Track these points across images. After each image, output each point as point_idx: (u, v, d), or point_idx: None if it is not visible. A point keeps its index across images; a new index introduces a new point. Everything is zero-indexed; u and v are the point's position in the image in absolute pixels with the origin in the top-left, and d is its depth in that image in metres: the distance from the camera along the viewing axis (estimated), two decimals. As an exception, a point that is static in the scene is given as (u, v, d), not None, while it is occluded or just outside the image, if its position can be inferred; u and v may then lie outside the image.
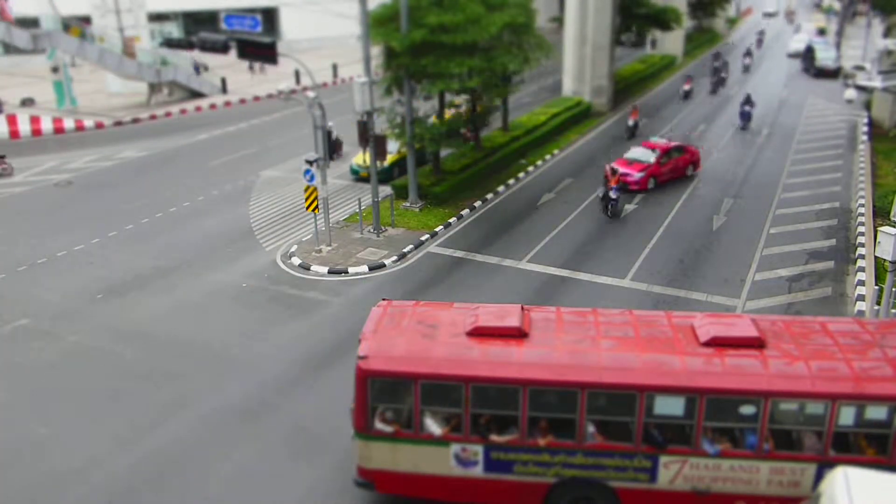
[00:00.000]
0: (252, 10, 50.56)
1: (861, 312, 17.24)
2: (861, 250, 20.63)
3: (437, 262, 20.88)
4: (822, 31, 63.79)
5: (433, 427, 11.05)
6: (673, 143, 27.91)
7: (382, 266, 20.64)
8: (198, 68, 42.28)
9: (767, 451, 10.51)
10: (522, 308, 11.89)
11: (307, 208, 21.77)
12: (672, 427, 10.76)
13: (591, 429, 10.79)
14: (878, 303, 15.95)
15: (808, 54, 51.14)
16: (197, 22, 53.93)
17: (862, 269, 19.42)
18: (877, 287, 16.79)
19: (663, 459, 10.74)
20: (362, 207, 22.98)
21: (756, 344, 10.83)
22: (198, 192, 26.72)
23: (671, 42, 52.84)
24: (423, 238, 22.10)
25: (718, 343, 10.86)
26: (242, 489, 12.28)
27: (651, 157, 26.58)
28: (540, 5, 33.37)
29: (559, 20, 45.07)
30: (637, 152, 27.38)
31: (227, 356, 16.27)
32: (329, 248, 21.60)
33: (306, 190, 21.42)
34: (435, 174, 25.94)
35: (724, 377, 10.42)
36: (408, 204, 24.44)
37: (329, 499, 12.13)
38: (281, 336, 17.08)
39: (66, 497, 12.18)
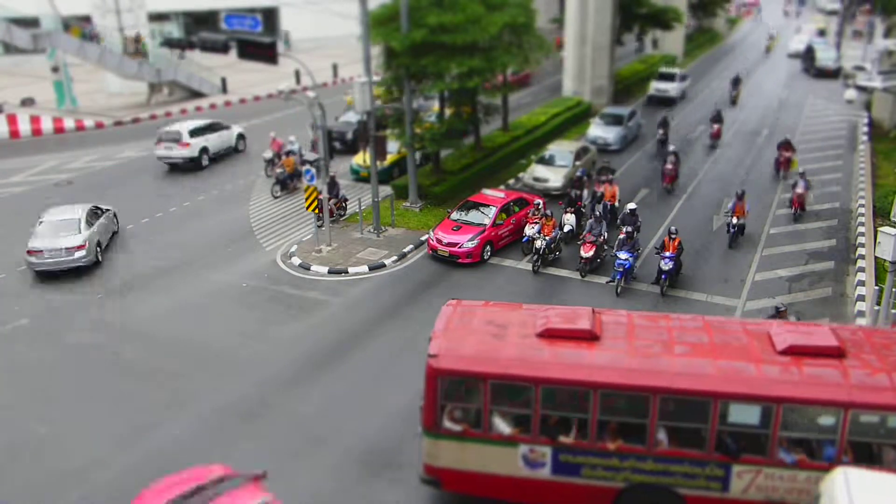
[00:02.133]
0: (252, 10, 50.56)
1: (861, 313, 17.25)
2: (861, 250, 20.62)
3: (437, 262, 20.87)
4: (822, 32, 63.73)
5: (502, 427, 11.05)
6: (512, 195, 22.69)
7: (382, 266, 20.63)
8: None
9: (847, 465, 10.18)
10: (593, 311, 11.85)
11: (307, 208, 21.77)
12: (746, 436, 10.57)
13: (662, 435, 10.67)
14: (878, 303, 15.95)
15: (808, 54, 51.12)
16: (197, 22, 53.90)
17: (862, 270, 19.41)
18: (877, 287, 16.78)
19: (736, 469, 10.57)
20: (362, 207, 22.98)
21: (836, 353, 10.60)
22: (198, 191, 26.71)
23: (671, 42, 52.79)
24: (423, 238, 22.07)
25: (796, 351, 10.67)
26: (242, 489, 12.27)
27: (485, 217, 21.19)
28: (540, 5, 33.36)
29: (559, 21, 45.05)
30: (467, 212, 21.53)
31: (226, 356, 16.27)
32: (329, 248, 21.59)
33: (306, 190, 21.43)
34: (435, 174, 25.93)
35: (802, 386, 10.19)
36: (408, 204, 24.43)
37: (329, 498, 12.13)
38: (281, 336, 17.08)
39: (66, 497, 12.19)
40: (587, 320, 11.38)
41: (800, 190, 23.24)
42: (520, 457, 11.07)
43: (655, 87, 40.69)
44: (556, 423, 10.99)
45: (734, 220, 21.45)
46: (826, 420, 10.23)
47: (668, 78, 41.29)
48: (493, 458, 11.17)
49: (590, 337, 11.13)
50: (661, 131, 31.44)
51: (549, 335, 11.19)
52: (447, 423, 11.14)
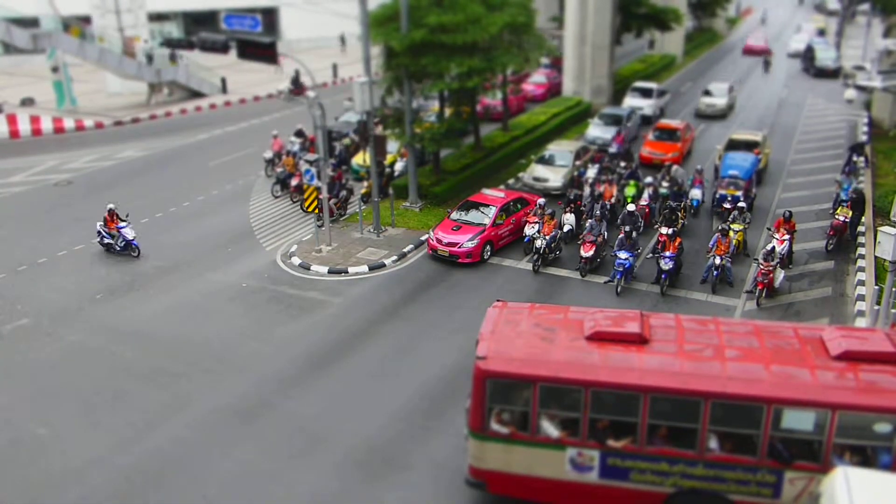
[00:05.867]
0: (252, 10, 50.55)
1: (861, 312, 17.26)
2: (861, 250, 20.63)
3: (437, 262, 20.87)
4: (821, 32, 63.76)
5: (549, 430, 11.05)
6: (512, 195, 22.67)
7: (382, 266, 20.63)
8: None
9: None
10: (641, 314, 11.85)
11: (307, 208, 21.78)
12: (798, 442, 10.49)
13: (713, 440, 10.62)
14: (878, 302, 15.97)
15: (807, 54, 51.16)
16: (197, 22, 53.94)
17: (862, 269, 19.42)
18: (877, 287, 16.80)
19: (788, 475, 10.49)
20: (362, 207, 22.99)
21: (892, 359, 10.55)
22: (198, 191, 26.71)
23: (671, 42, 52.84)
24: (423, 238, 22.07)
25: (851, 357, 10.59)
26: (242, 489, 12.28)
27: (485, 217, 21.16)
28: (540, 5, 33.34)
29: (559, 20, 45.08)
30: (467, 212, 21.52)
31: (226, 356, 16.27)
32: (329, 247, 21.59)
33: (306, 190, 21.44)
34: (435, 174, 25.94)
35: (859, 393, 10.12)
36: (408, 204, 24.44)
37: (329, 499, 12.13)
38: (281, 336, 17.08)
39: (66, 497, 12.19)
40: (636, 323, 11.37)
41: (766, 263, 17.95)
42: (567, 460, 11.05)
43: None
44: (604, 427, 10.96)
45: (716, 260, 18.83)
46: (882, 427, 10.13)
47: (645, 93, 36.88)
48: (541, 462, 11.16)
49: (639, 340, 11.10)
50: (623, 164, 26.28)
51: (598, 338, 11.18)
52: (494, 426, 11.13)
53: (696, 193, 23.60)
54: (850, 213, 21.22)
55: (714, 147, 31.90)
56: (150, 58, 40.18)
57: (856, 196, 21.56)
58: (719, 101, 37.39)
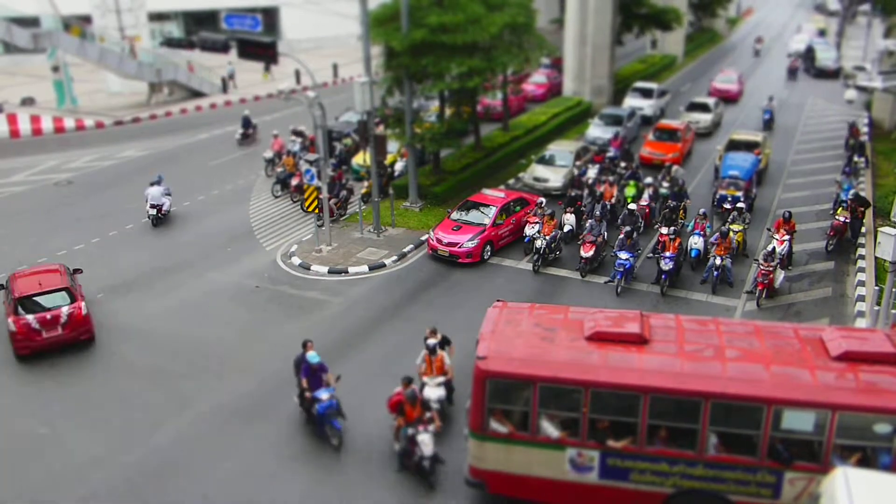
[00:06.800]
0: (252, 10, 50.54)
1: (861, 313, 17.26)
2: (861, 250, 20.63)
3: (437, 262, 20.87)
4: (822, 32, 63.75)
5: (549, 430, 11.06)
6: (512, 195, 22.64)
7: (382, 266, 20.63)
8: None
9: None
10: (641, 314, 11.85)
11: (307, 208, 21.76)
12: (798, 442, 10.49)
13: (713, 440, 10.62)
14: (879, 303, 15.97)
15: (808, 55, 51.14)
16: (197, 22, 53.92)
17: (862, 270, 19.42)
18: (877, 287, 16.81)
19: (788, 476, 10.50)
20: (362, 207, 22.99)
21: (892, 360, 10.56)
22: (198, 191, 26.69)
23: (671, 42, 52.83)
24: (423, 238, 22.07)
25: (851, 358, 10.60)
26: (242, 489, 12.29)
27: (485, 217, 21.13)
28: (540, 5, 33.34)
29: (560, 21, 45.05)
30: (467, 212, 21.50)
31: (227, 356, 16.28)
32: (329, 247, 21.59)
33: (307, 190, 21.43)
34: (435, 174, 25.93)
35: (859, 394, 10.12)
36: (408, 204, 24.43)
37: (328, 499, 12.13)
38: (281, 336, 17.08)
39: (66, 497, 12.20)
40: (636, 324, 11.38)
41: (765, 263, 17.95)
42: (567, 460, 11.06)
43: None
44: (604, 428, 10.96)
45: (717, 260, 18.87)
46: (882, 428, 10.12)
47: (645, 94, 36.60)
48: (540, 462, 11.17)
49: (639, 340, 11.11)
50: (623, 164, 26.38)
51: (599, 338, 11.20)
52: (494, 426, 11.14)
53: (696, 242, 19.98)
54: (860, 208, 21.07)
55: (715, 148, 31.93)
56: (224, 81, 43.47)
57: (858, 202, 21.38)
58: (704, 117, 33.95)
